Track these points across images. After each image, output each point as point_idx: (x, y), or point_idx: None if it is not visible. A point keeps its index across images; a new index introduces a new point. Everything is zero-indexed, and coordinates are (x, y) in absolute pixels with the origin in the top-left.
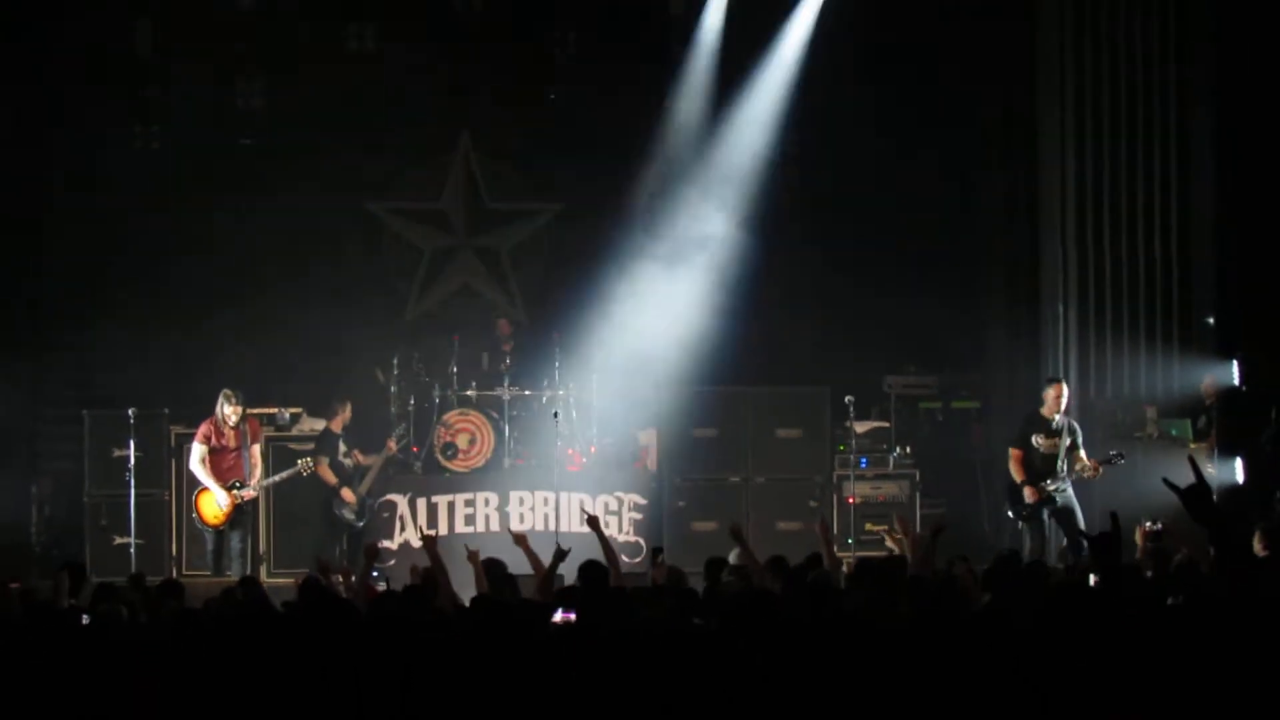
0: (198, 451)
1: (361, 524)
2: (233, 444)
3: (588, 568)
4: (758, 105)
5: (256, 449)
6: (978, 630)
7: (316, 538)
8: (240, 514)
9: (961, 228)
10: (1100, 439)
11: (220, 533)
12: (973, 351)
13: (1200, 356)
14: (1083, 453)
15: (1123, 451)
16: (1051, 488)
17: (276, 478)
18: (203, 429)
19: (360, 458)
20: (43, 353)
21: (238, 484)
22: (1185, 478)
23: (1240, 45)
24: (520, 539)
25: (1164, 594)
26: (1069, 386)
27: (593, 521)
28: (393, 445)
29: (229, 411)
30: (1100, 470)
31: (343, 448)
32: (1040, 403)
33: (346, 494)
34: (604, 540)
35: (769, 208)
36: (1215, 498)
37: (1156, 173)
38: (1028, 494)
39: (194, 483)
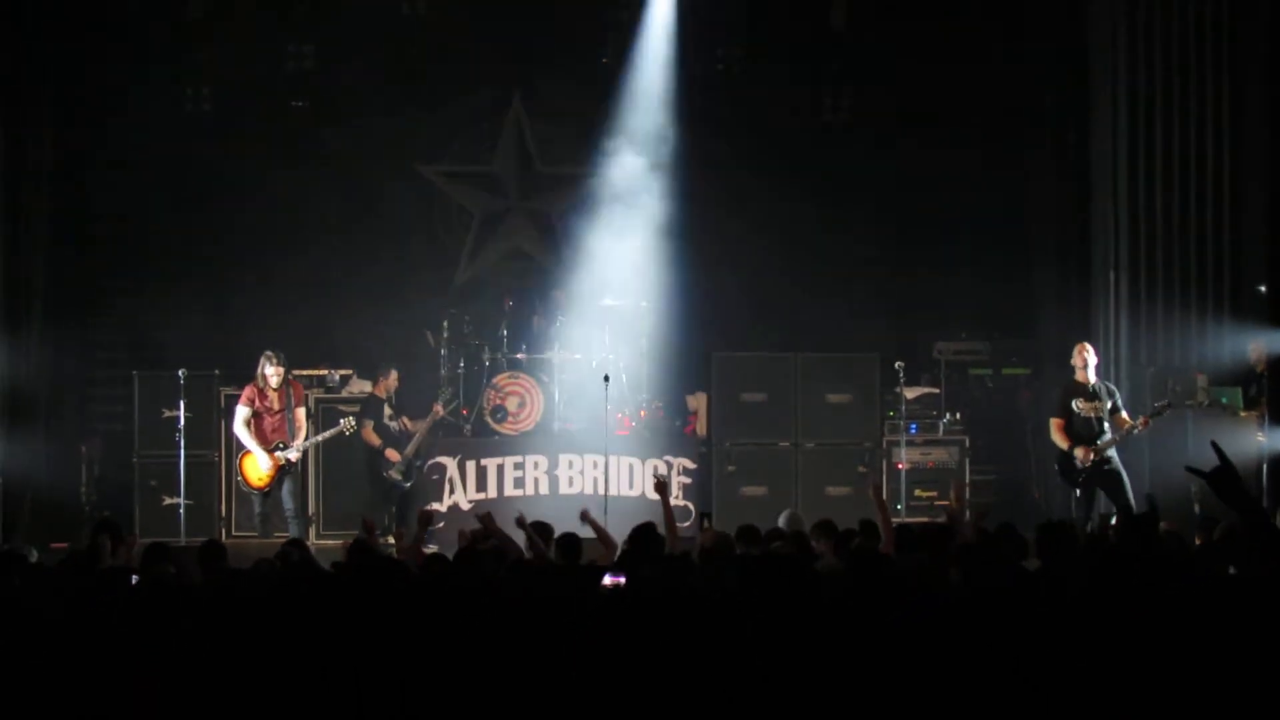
0: (240, 414)
1: (408, 484)
2: (276, 406)
3: (639, 531)
4: (802, 69)
5: (301, 411)
6: (1025, 595)
7: (366, 500)
8: (285, 476)
9: (1013, 195)
10: (1149, 405)
11: (266, 495)
12: (1023, 318)
13: (1251, 324)
14: (1124, 413)
15: (1169, 400)
16: (1104, 441)
17: (318, 437)
18: (246, 391)
19: (408, 423)
20: (93, 314)
21: (281, 445)
22: (1225, 454)
23: None
24: (585, 515)
25: (1215, 564)
26: (1120, 351)
27: (661, 487)
28: (439, 409)
29: (270, 372)
30: (1150, 422)
31: (388, 411)
32: (1074, 369)
33: (391, 453)
34: (668, 507)
35: (821, 174)
36: (1241, 479)
37: (1209, 139)
38: (1079, 454)
39: (240, 445)
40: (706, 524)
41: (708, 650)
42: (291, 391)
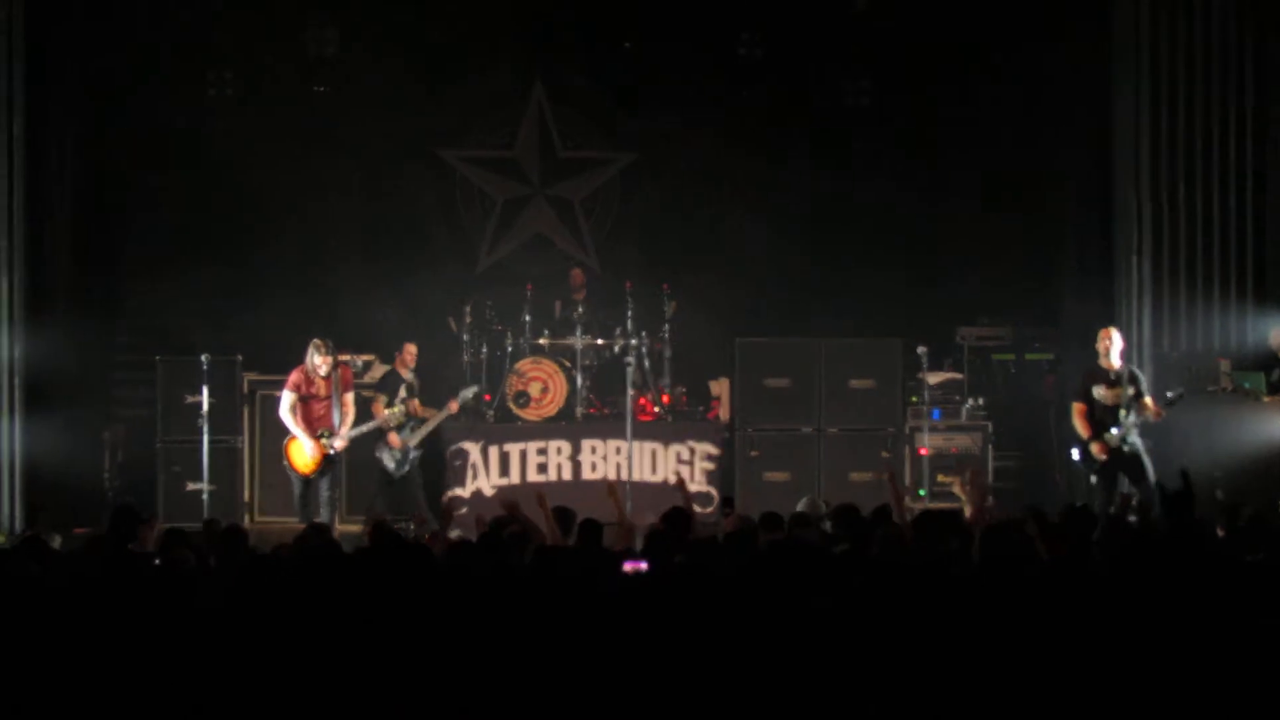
0: (287, 399)
1: (400, 474)
2: (323, 393)
3: (673, 515)
4: (825, 51)
5: (349, 397)
6: (1049, 580)
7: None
8: (329, 463)
9: (1037, 179)
10: (1164, 394)
11: (308, 480)
12: (1047, 303)
13: (1274, 310)
14: (1148, 399)
15: (1183, 390)
16: (1115, 434)
17: (355, 432)
18: (293, 377)
19: (419, 408)
20: (117, 300)
21: (326, 433)
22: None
23: None
24: (612, 489)
25: (1240, 549)
26: (1143, 336)
27: (681, 484)
28: (455, 406)
29: (319, 361)
30: (1163, 412)
31: (402, 392)
32: (1097, 354)
33: (393, 438)
34: (687, 498)
35: (844, 156)
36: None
37: (1232, 124)
38: (1095, 449)
39: (280, 430)
40: (729, 510)
41: (732, 635)
42: (339, 377)
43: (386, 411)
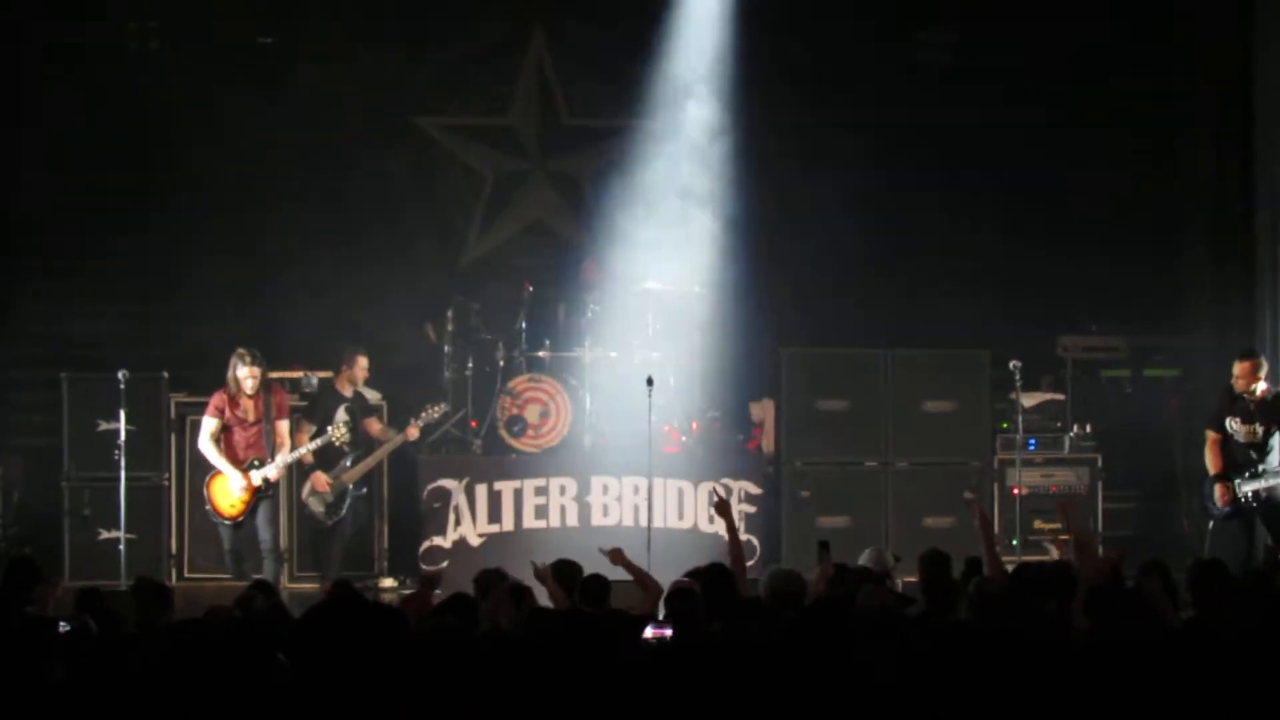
0: (207, 427)
1: (332, 522)
2: (251, 417)
3: (712, 572)
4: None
5: (284, 424)
6: (1174, 651)
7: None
8: (261, 500)
9: (1159, 157)
10: None
11: (238, 526)
12: (1170, 307)
13: None
14: None
15: None
16: (1249, 488)
17: (302, 449)
18: (214, 400)
19: (377, 428)
20: (11, 301)
21: (256, 463)
22: None
23: None
24: (617, 556)
25: None
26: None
27: (722, 507)
28: (414, 432)
29: (244, 374)
30: None
31: (342, 415)
32: (1233, 379)
33: (318, 479)
34: (734, 535)
35: (916, 131)
36: None
37: None
38: (1218, 493)
39: (205, 466)
40: (824, 555)
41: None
42: (272, 399)
43: (331, 429)
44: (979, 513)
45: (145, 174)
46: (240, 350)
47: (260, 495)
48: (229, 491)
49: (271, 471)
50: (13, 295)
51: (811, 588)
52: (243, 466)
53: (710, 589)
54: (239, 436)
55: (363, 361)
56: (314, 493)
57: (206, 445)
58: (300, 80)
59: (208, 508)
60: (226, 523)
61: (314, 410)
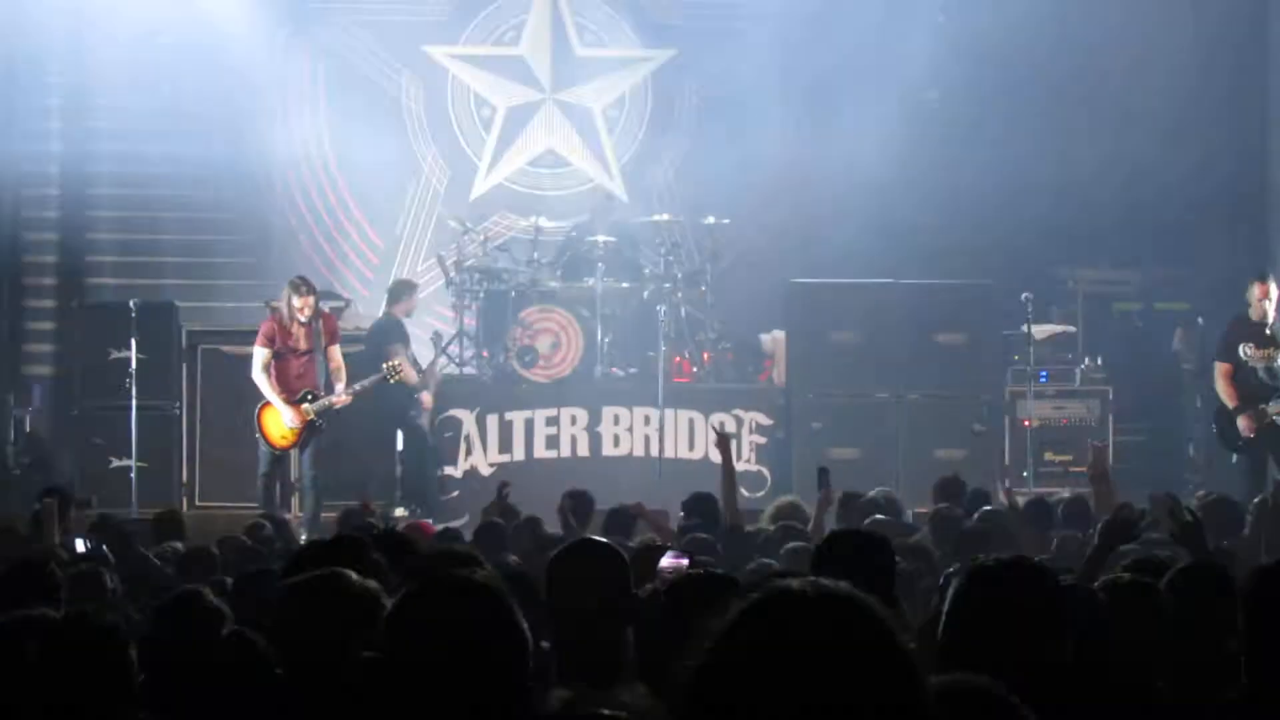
0: (259, 356)
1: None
2: (303, 345)
3: (695, 501)
4: None
5: (336, 350)
6: (1182, 592)
7: (364, 464)
8: (313, 434)
9: (1173, 81)
10: None
11: (278, 457)
12: (1182, 239)
13: None
14: None
15: None
16: (1273, 406)
17: (358, 386)
18: (264, 328)
19: (409, 372)
20: (21, 224)
21: (309, 395)
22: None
23: None
24: (638, 509)
25: None
26: None
27: (723, 442)
28: (436, 374)
29: (298, 304)
30: None
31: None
32: (1248, 305)
33: (426, 399)
34: (729, 467)
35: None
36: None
37: None
38: (1243, 424)
39: (235, 395)
40: (826, 485)
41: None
42: (322, 327)
43: (385, 365)
44: (1096, 453)
45: (155, 98)
46: (293, 280)
47: (312, 428)
48: (280, 422)
49: (337, 399)
50: (24, 221)
51: (814, 516)
52: (295, 399)
53: (690, 515)
54: (292, 365)
55: (416, 294)
56: (424, 413)
57: (259, 376)
58: (304, 9)
59: (258, 435)
60: (271, 451)
61: (394, 338)
